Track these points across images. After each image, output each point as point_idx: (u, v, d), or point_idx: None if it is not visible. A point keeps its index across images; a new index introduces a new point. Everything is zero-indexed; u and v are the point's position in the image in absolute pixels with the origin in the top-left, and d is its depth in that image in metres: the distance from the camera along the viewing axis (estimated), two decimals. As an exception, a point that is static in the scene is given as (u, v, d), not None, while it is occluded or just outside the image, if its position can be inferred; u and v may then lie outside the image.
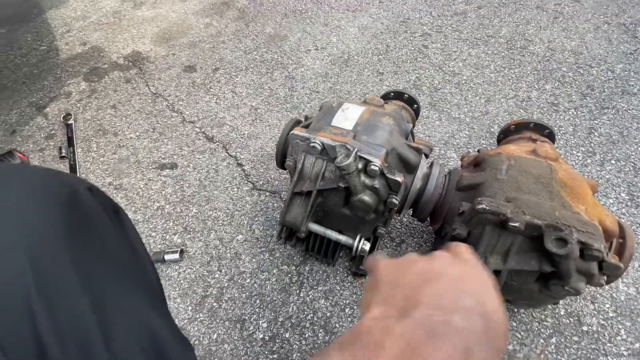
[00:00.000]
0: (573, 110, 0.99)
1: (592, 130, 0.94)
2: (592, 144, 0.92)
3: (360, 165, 0.53)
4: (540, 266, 0.48)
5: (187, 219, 0.84)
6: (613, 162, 0.88)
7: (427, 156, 0.68)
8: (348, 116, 0.59)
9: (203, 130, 1.01)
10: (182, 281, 0.75)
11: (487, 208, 0.48)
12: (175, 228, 0.83)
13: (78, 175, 0.94)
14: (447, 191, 0.60)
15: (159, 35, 1.30)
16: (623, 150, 0.90)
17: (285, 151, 0.64)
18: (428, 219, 0.69)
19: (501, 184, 0.53)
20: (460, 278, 0.25)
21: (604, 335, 0.64)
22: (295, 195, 0.60)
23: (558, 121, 0.97)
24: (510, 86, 1.05)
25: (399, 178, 0.53)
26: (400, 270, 0.25)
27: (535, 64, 1.11)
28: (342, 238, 0.60)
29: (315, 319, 0.68)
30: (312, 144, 0.54)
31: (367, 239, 0.62)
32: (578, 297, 0.68)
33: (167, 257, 0.76)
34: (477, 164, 0.62)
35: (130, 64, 1.21)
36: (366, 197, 0.54)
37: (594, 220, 0.48)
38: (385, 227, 0.64)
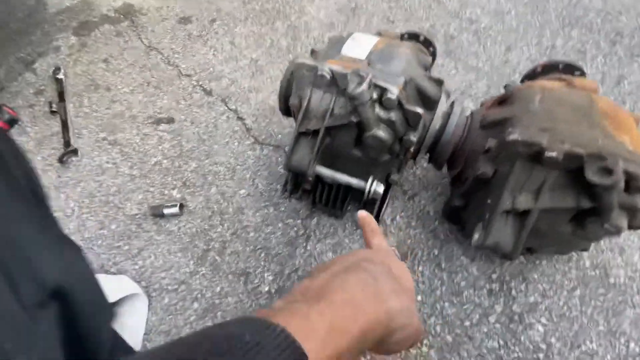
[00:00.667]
0: (601, 57, 0.91)
1: (622, 79, 0.87)
2: (621, 93, 0.84)
3: (375, 95, 0.47)
4: (578, 202, 0.43)
5: (186, 174, 0.80)
6: (644, 111, 0.81)
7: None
8: (360, 44, 0.52)
9: (200, 83, 0.95)
10: (182, 235, 0.71)
11: (520, 139, 0.42)
12: (174, 183, 0.79)
13: (71, 130, 0.88)
14: (469, 131, 0.54)
15: (151, -14, 1.21)
16: (655, 99, 0.83)
17: (290, 91, 0.58)
18: (444, 169, 0.64)
19: (534, 115, 0.47)
20: (370, 253, 0.34)
21: (632, 287, 0.60)
22: (300, 135, 0.54)
23: (586, 69, 0.88)
24: (532, 33, 0.97)
25: (419, 110, 0.48)
26: (324, 263, 0.33)
27: (560, 10, 1.01)
28: (353, 181, 0.55)
29: (324, 272, 0.64)
30: (320, 73, 0.48)
31: (380, 185, 0.57)
32: (605, 249, 0.64)
33: (166, 211, 0.72)
34: (502, 102, 0.56)
35: (122, 16, 1.13)
36: (381, 132, 0.49)
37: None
38: (398, 174, 0.59)
